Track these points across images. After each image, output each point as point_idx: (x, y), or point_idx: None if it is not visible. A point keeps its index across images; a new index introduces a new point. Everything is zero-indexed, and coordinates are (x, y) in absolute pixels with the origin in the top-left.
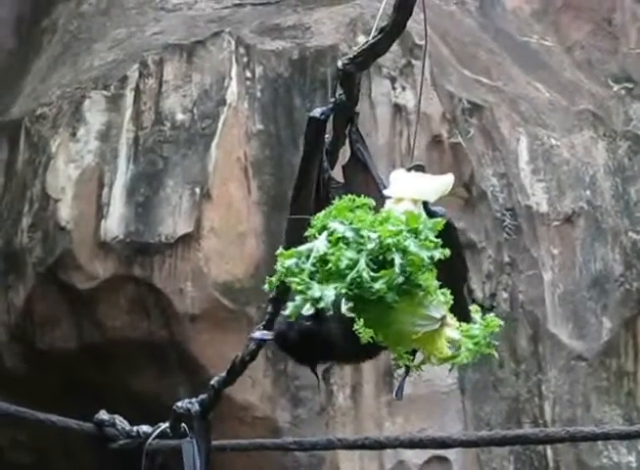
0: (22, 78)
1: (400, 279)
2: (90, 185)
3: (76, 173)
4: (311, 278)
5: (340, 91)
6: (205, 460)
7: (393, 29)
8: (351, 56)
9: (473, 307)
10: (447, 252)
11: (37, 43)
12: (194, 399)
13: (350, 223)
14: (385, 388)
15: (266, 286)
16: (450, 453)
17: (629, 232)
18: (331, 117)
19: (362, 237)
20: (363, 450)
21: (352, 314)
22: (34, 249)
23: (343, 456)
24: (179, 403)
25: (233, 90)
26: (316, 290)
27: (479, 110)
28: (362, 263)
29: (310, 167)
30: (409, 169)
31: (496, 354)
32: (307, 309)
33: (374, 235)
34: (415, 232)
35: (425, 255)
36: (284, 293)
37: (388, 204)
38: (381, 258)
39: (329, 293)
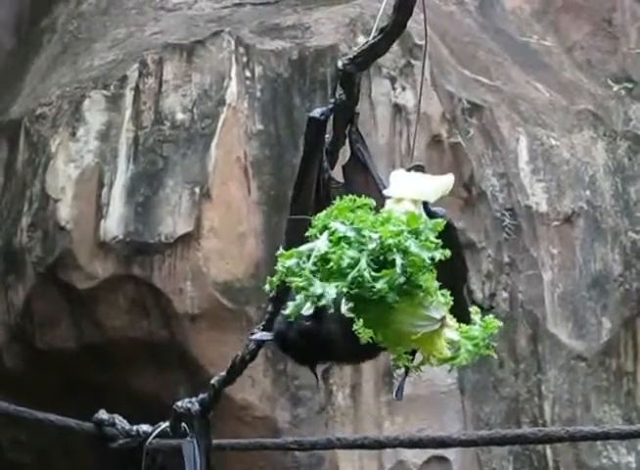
0: (22, 78)
1: (401, 279)
2: (90, 185)
3: (76, 173)
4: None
5: (340, 91)
6: (206, 459)
7: (394, 30)
8: (351, 56)
9: (473, 309)
10: (448, 252)
11: (37, 43)
12: (194, 399)
13: (351, 223)
14: (384, 388)
15: (267, 286)
16: (450, 453)
17: (629, 232)
18: (331, 118)
19: (364, 237)
20: (363, 450)
21: (352, 315)
22: (34, 248)
23: (343, 456)
24: (179, 403)
25: (233, 90)
26: (318, 287)
27: (478, 110)
28: (363, 263)
29: (310, 168)
30: (409, 170)
31: (495, 356)
32: (307, 309)
33: (375, 235)
34: (416, 233)
35: (426, 255)
36: (284, 293)
37: (388, 204)
38: (382, 258)
39: (330, 290)
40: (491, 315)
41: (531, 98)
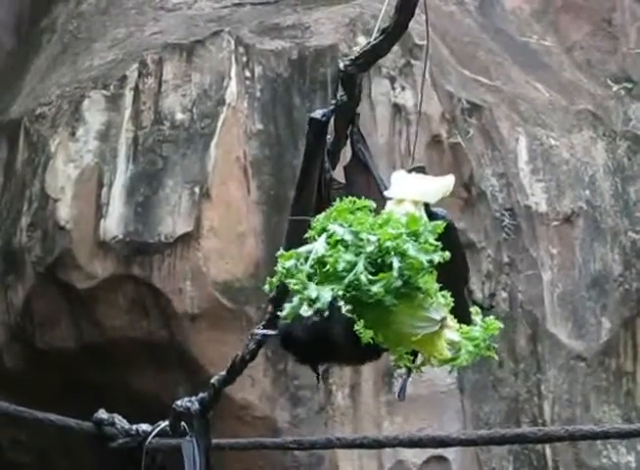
0: (22, 78)
1: (398, 283)
2: (89, 185)
3: (76, 173)
4: (309, 279)
5: (341, 92)
6: (205, 459)
7: (395, 31)
8: (353, 57)
9: (473, 309)
10: (447, 255)
11: (36, 43)
12: (193, 398)
13: (350, 226)
14: (384, 387)
15: (266, 286)
16: (449, 453)
17: (629, 232)
18: (332, 118)
19: (361, 240)
20: (362, 450)
21: (352, 315)
22: (33, 248)
23: (343, 455)
24: (179, 402)
25: (232, 90)
26: (313, 290)
27: (478, 110)
28: (360, 266)
29: (312, 168)
30: (410, 171)
31: (496, 357)
32: (305, 311)
33: (373, 238)
34: (415, 235)
35: (424, 258)
36: (284, 293)
37: (388, 205)
38: (380, 261)
39: (325, 294)
40: (491, 316)
41: (531, 98)
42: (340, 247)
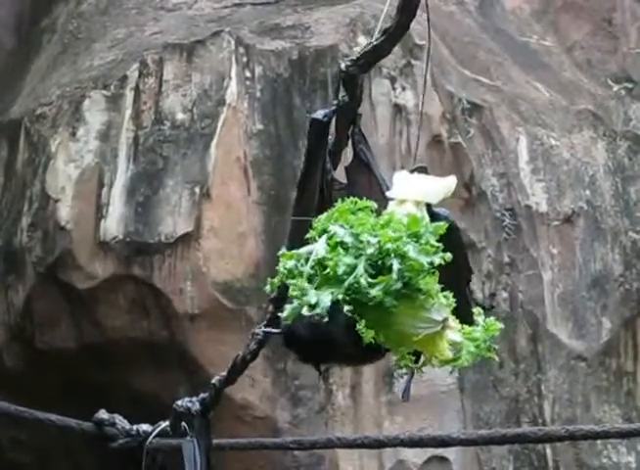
0: (22, 78)
1: (398, 285)
2: (90, 185)
3: (76, 173)
4: (310, 281)
5: (342, 93)
6: (206, 459)
7: (397, 31)
8: (354, 58)
9: (476, 309)
10: (448, 256)
11: (37, 43)
12: (194, 398)
13: (351, 227)
14: (384, 387)
15: (268, 287)
16: (450, 453)
17: (629, 232)
18: (333, 119)
19: (361, 242)
20: (363, 449)
21: (353, 316)
22: (34, 248)
23: (343, 455)
24: (179, 402)
25: (233, 90)
26: (312, 296)
27: (478, 110)
28: (360, 269)
29: (313, 169)
30: (412, 171)
31: (497, 358)
32: (307, 312)
33: (373, 240)
34: (416, 236)
35: (424, 260)
36: (285, 293)
37: (390, 205)
38: (380, 263)
39: (325, 298)
40: (492, 317)
41: (531, 98)
42: (340, 249)
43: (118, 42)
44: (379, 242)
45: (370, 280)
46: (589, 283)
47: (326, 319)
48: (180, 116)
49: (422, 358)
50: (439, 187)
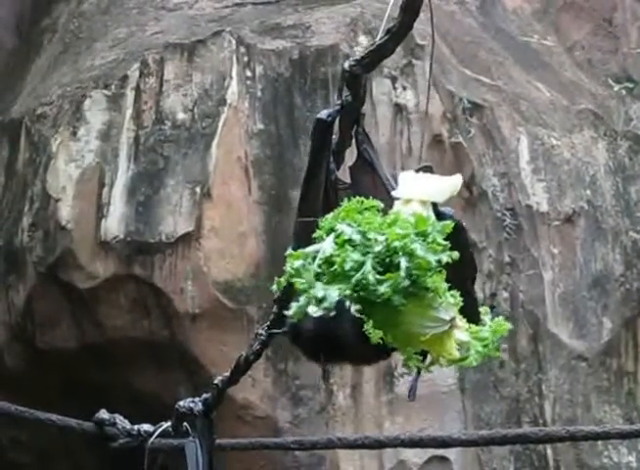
0: (23, 78)
1: (406, 283)
2: (91, 184)
3: (77, 173)
4: (317, 279)
5: (346, 93)
6: (208, 460)
7: (400, 31)
8: (358, 57)
9: (482, 309)
10: (456, 254)
11: (38, 42)
12: (197, 399)
13: (358, 225)
14: (385, 387)
15: (274, 286)
16: (450, 453)
17: (630, 232)
18: (337, 119)
19: (369, 240)
20: (363, 450)
21: (361, 315)
22: (35, 248)
23: (344, 456)
24: (181, 403)
25: (233, 90)
26: (319, 289)
27: (479, 109)
28: (368, 266)
29: (317, 169)
30: (417, 171)
31: (501, 356)
32: (313, 311)
33: (381, 238)
34: (423, 235)
35: (432, 258)
36: (289, 293)
37: (396, 205)
38: (388, 261)
39: (332, 293)
40: (500, 317)
41: (532, 98)
42: (347, 246)
43: (119, 42)
44: (386, 240)
45: (378, 277)
46: (590, 283)
47: (333, 313)
48: (181, 115)
49: (429, 358)
50: (445, 186)
